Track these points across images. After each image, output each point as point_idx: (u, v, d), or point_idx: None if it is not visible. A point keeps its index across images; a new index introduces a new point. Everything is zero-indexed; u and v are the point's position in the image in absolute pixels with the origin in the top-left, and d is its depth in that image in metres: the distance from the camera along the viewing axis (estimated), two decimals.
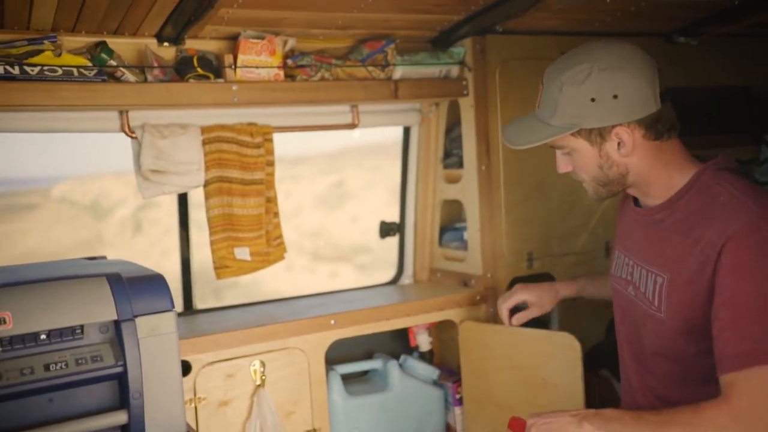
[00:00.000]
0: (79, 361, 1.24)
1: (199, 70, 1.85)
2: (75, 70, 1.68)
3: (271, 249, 2.11)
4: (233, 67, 1.88)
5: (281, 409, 1.93)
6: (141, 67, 1.79)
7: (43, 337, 1.22)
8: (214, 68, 1.88)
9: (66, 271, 1.38)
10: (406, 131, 2.38)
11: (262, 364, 1.91)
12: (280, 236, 2.14)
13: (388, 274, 2.50)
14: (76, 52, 1.73)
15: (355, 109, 2.18)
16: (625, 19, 2.14)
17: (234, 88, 1.87)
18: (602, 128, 1.34)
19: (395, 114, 2.29)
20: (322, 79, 1.99)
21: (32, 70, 1.63)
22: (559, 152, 1.44)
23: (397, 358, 2.25)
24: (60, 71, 1.65)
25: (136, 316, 1.30)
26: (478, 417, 2.10)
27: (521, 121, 1.47)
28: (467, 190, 2.24)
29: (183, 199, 2.14)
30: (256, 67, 1.90)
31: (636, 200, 1.51)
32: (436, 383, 2.25)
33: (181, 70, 1.84)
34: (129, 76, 1.76)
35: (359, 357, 2.28)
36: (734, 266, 1.25)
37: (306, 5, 1.78)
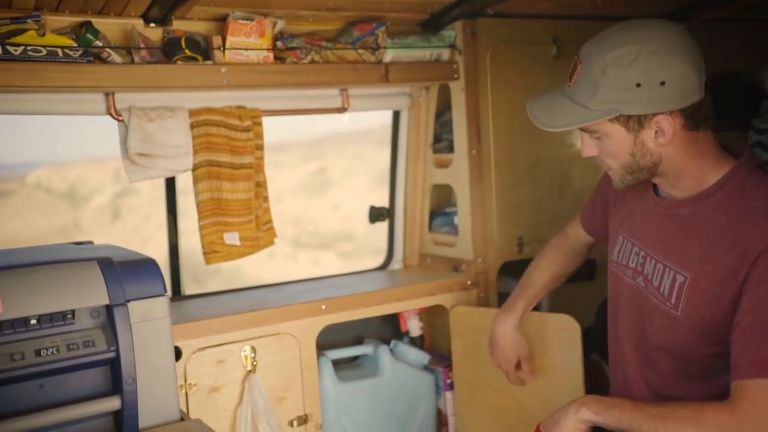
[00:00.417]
0: (71, 347, 1.21)
1: (187, 51, 1.81)
2: (59, 51, 1.63)
3: (261, 234, 2.09)
4: (222, 48, 1.84)
5: (272, 395, 1.92)
6: (128, 48, 1.75)
7: (33, 322, 1.19)
8: (202, 50, 1.85)
9: (55, 255, 1.35)
10: (396, 115, 2.37)
11: (253, 349, 1.90)
12: (269, 221, 2.12)
13: (372, 262, 2.49)
14: (60, 32, 1.69)
15: (344, 93, 2.16)
16: (615, 3, 2.14)
17: (223, 70, 1.84)
18: (643, 115, 1.27)
19: (385, 98, 2.27)
20: (312, 61, 1.96)
21: (15, 50, 1.58)
22: (585, 135, 1.37)
23: (387, 343, 2.25)
24: (44, 51, 1.61)
25: (128, 301, 1.27)
26: (470, 402, 2.11)
27: (550, 99, 1.38)
28: (457, 174, 2.23)
29: (171, 184, 2.11)
30: (245, 49, 1.86)
31: (655, 188, 1.46)
32: (426, 368, 2.25)
33: (169, 51, 1.80)
34: (115, 57, 1.72)
35: (350, 342, 2.27)
36: (767, 276, 1.23)
37: None
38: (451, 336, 2.16)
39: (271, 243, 2.13)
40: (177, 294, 2.16)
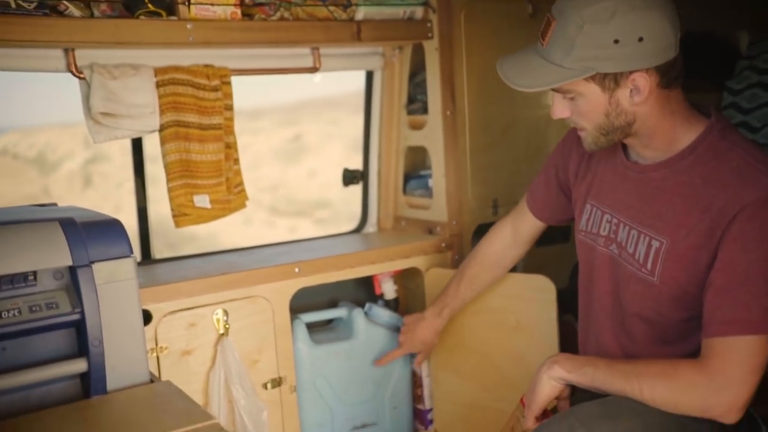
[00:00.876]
0: (33, 309, 1.18)
1: (150, 6, 1.74)
2: (12, 2, 1.56)
3: (232, 197, 2.05)
4: (187, 3, 1.78)
5: (246, 358, 1.90)
6: (86, 2, 1.68)
7: None
8: (166, 5, 1.78)
9: (15, 216, 1.30)
10: (369, 76, 2.32)
11: (225, 312, 1.87)
12: (240, 183, 2.08)
13: (348, 227, 2.46)
14: None
15: (316, 52, 2.10)
16: None
17: (188, 26, 1.78)
18: (619, 73, 1.24)
19: (357, 57, 2.22)
20: (282, 18, 1.90)
21: None
22: (558, 96, 1.33)
23: (362, 306, 2.24)
24: None
25: (92, 262, 1.23)
26: (445, 363, 2.12)
27: (522, 59, 1.33)
28: (432, 136, 2.20)
29: (138, 147, 2.06)
30: (212, 5, 1.80)
31: (625, 154, 1.44)
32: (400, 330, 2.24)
33: (131, 5, 1.74)
34: (73, 10, 1.65)
35: (324, 306, 2.26)
36: (741, 235, 1.22)
37: None
38: (426, 298, 2.16)
39: (242, 206, 2.09)
40: (147, 258, 2.12)
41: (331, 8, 1.95)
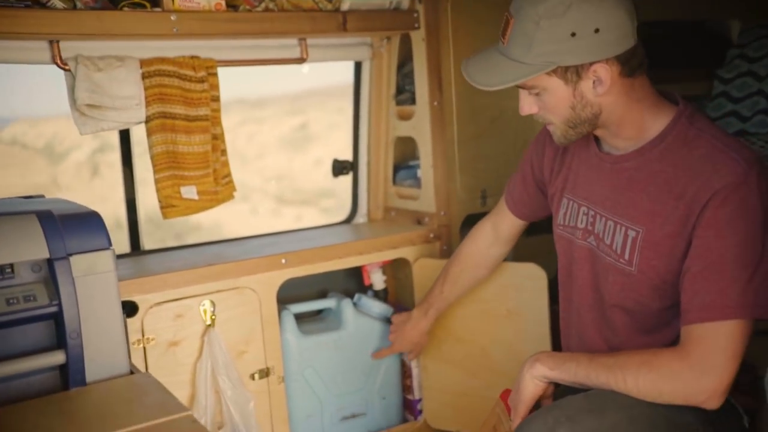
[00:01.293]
0: (11, 301, 1.19)
1: None
2: None
3: (220, 188, 2.05)
4: None
5: (233, 349, 1.91)
6: None
7: None
8: None
9: None
10: (357, 66, 2.32)
11: (212, 304, 1.88)
12: (228, 174, 2.08)
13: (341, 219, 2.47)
14: None
15: (303, 43, 2.10)
16: None
17: (173, 18, 1.77)
18: (580, 65, 1.25)
19: (345, 48, 2.21)
20: (266, 9, 1.90)
21: None
22: (524, 92, 1.34)
23: (351, 297, 2.24)
24: None
25: (70, 255, 1.24)
26: (435, 352, 2.12)
27: (485, 58, 1.34)
28: (420, 126, 2.20)
29: (126, 138, 2.06)
30: None
31: (598, 145, 1.44)
32: (390, 321, 2.25)
33: None
34: (56, 2, 1.65)
35: (314, 296, 2.26)
36: (714, 220, 1.23)
37: None
38: (414, 288, 2.17)
39: (230, 197, 2.10)
40: (137, 249, 2.13)
41: None
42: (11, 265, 1.20)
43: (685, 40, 2.62)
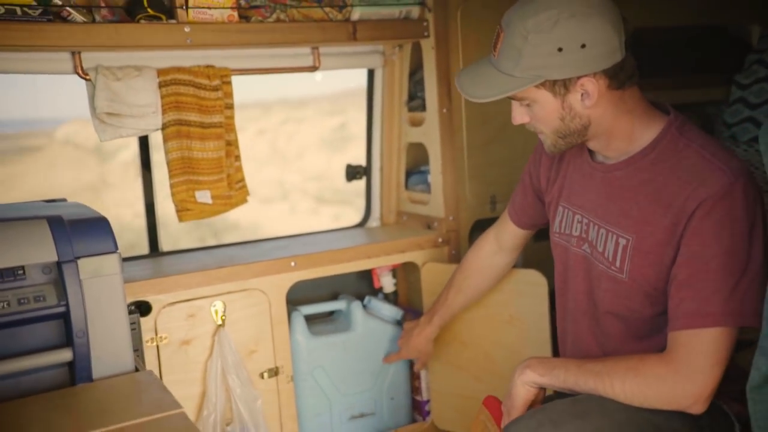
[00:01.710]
0: (22, 301, 1.27)
1: (149, 10, 1.82)
2: (18, 9, 1.65)
3: (233, 192, 2.12)
4: (185, 8, 1.85)
5: (243, 348, 1.98)
6: (88, 8, 1.76)
7: None
8: (165, 9, 1.85)
9: (13, 213, 1.39)
10: (370, 74, 2.36)
11: (223, 304, 1.95)
12: (242, 179, 2.15)
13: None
14: None
15: (315, 51, 2.15)
16: None
17: (186, 29, 1.85)
18: (567, 79, 1.28)
19: (358, 56, 2.26)
20: (278, 20, 1.96)
21: None
22: (515, 103, 1.38)
23: (362, 299, 2.29)
24: (2, 10, 1.63)
25: (77, 258, 1.32)
26: (441, 355, 2.16)
27: (477, 70, 1.38)
28: (430, 132, 2.24)
29: (144, 143, 2.14)
30: (209, 8, 1.87)
31: (591, 154, 1.47)
32: (399, 324, 2.29)
33: (131, 10, 1.81)
34: (76, 16, 1.74)
35: (326, 298, 2.32)
36: (701, 230, 1.25)
37: None
38: (422, 292, 2.21)
39: (243, 201, 2.16)
40: (155, 250, 2.21)
41: (327, 9, 2.00)
42: (23, 267, 1.28)
43: (706, 45, 2.60)
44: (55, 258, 1.30)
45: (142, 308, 1.86)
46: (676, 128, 1.33)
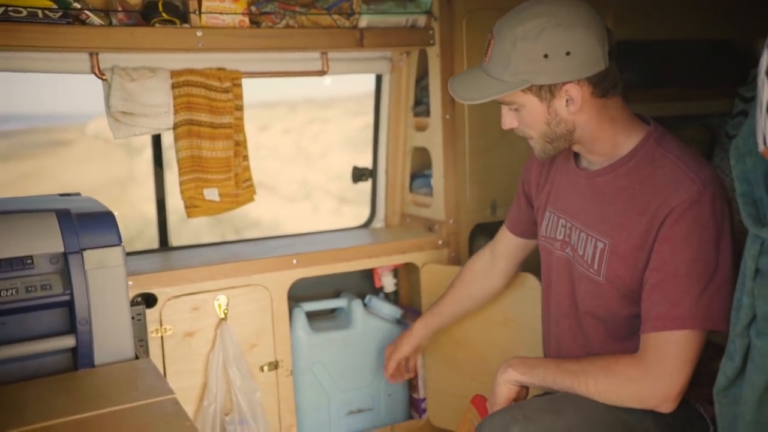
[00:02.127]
0: (29, 289, 1.34)
1: (164, 15, 1.90)
2: (39, 12, 1.74)
3: (240, 191, 2.20)
4: (198, 12, 1.93)
5: (244, 342, 2.05)
6: (106, 11, 1.85)
7: None
8: (180, 13, 1.93)
9: (24, 206, 1.47)
10: (378, 79, 2.42)
11: (226, 298, 2.02)
12: (249, 179, 2.22)
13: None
14: None
15: (324, 56, 2.22)
16: None
17: (199, 33, 1.92)
18: (553, 85, 1.35)
19: (366, 62, 2.32)
20: (287, 26, 2.03)
21: None
22: (505, 108, 1.45)
23: (363, 298, 2.35)
24: (24, 12, 1.72)
25: (83, 249, 1.39)
26: (436, 353, 2.22)
27: (469, 74, 1.46)
28: (433, 137, 2.29)
29: (157, 141, 2.23)
30: (221, 13, 1.94)
31: (577, 161, 1.53)
32: (399, 322, 2.35)
33: (147, 14, 1.89)
34: (94, 19, 1.82)
35: (329, 295, 2.39)
36: (671, 236, 1.31)
37: None
38: (421, 292, 2.26)
39: (250, 199, 2.24)
40: (164, 245, 2.30)
41: (335, 17, 2.06)
42: (31, 257, 1.36)
43: (711, 59, 2.62)
44: (61, 249, 1.37)
45: (149, 300, 1.95)
46: (655, 139, 1.39)
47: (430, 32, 2.18)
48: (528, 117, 1.41)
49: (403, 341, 2.00)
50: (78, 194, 1.85)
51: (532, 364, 1.46)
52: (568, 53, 1.32)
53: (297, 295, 2.23)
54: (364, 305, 2.32)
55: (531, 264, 2.11)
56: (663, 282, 1.31)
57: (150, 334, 1.93)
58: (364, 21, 2.10)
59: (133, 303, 1.92)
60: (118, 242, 1.45)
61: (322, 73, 2.25)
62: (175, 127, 2.08)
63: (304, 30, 2.05)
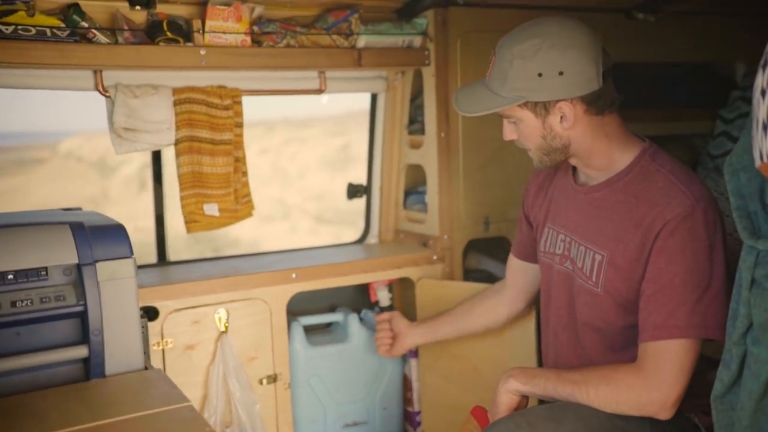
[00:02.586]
0: (44, 300, 1.37)
1: (168, 33, 1.94)
2: (48, 31, 1.77)
3: (240, 206, 2.23)
4: (201, 32, 1.97)
5: (244, 355, 2.08)
6: (112, 30, 1.89)
7: (10, 276, 1.35)
8: (183, 32, 1.98)
9: (37, 219, 1.50)
10: (374, 98, 2.48)
11: (226, 312, 2.05)
12: (248, 194, 2.26)
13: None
14: (48, 12, 1.82)
15: (322, 75, 2.28)
16: None
17: (202, 52, 1.97)
18: (547, 102, 1.42)
19: (362, 81, 2.38)
20: (288, 45, 2.08)
21: (6, 29, 1.72)
22: (505, 120, 1.52)
23: (358, 312, 2.39)
24: (33, 31, 1.75)
25: (96, 261, 1.42)
26: (432, 367, 2.25)
27: (472, 88, 1.54)
28: (428, 155, 2.35)
29: (157, 158, 2.26)
30: (224, 33, 1.99)
31: (575, 177, 1.59)
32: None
33: (151, 33, 1.94)
34: (100, 37, 1.86)
35: (325, 310, 2.43)
36: (665, 248, 1.37)
37: None
38: (416, 306, 2.31)
39: (249, 215, 2.27)
40: (162, 260, 2.32)
41: (334, 37, 2.13)
42: (46, 269, 1.39)
43: (693, 82, 2.73)
44: (75, 261, 1.40)
45: (150, 313, 1.97)
46: (650, 155, 1.47)
47: (426, 53, 2.25)
48: (525, 130, 1.48)
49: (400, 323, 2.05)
50: (79, 209, 1.88)
51: (533, 374, 1.51)
52: (561, 73, 1.39)
53: (294, 309, 2.26)
54: (360, 319, 2.35)
55: None
56: (659, 293, 1.37)
57: (152, 347, 1.95)
58: (362, 41, 2.16)
59: None
60: (130, 254, 1.48)
61: (319, 91, 2.30)
62: (177, 143, 2.12)
63: (304, 49, 2.11)
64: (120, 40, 1.90)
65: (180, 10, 2.00)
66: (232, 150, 2.18)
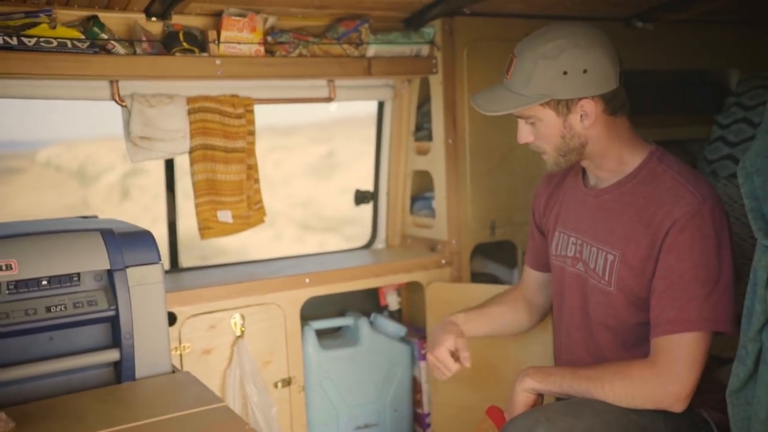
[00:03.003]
0: (77, 305, 1.40)
1: (184, 44, 1.98)
2: (69, 42, 1.81)
3: (252, 213, 2.27)
4: (217, 42, 2.02)
5: (259, 359, 2.11)
6: (130, 41, 1.93)
7: (44, 282, 1.38)
8: (199, 43, 2.02)
9: (64, 226, 1.53)
10: (381, 105, 2.54)
11: (242, 317, 2.09)
12: (260, 201, 2.30)
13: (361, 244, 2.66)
14: (69, 25, 1.86)
15: (331, 84, 2.32)
16: (586, 3, 2.30)
17: (217, 62, 2.01)
18: (570, 100, 1.47)
19: (370, 89, 2.44)
20: (300, 55, 2.13)
21: (29, 41, 1.76)
22: (522, 122, 1.56)
23: (368, 316, 2.44)
24: (55, 43, 1.79)
25: (126, 267, 1.46)
26: None
27: (492, 90, 1.58)
28: (435, 161, 2.41)
29: (170, 165, 2.29)
30: (238, 43, 2.04)
31: (584, 181, 1.64)
32: (403, 340, 2.43)
33: (168, 44, 1.98)
34: (119, 49, 1.90)
35: (334, 314, 2.46)
36: (675, 245, 1.43)
37: None
38: (427, 310, 2.35)
39: (261, 221, 2.32)
40: (175, 266, 2.35)
41: (345, 46, 2.18)
42: (78, 274, 1.42)
43: (690, 88, 2.81)
44: (107, 266, 1.44)
45: (168, 319, 1.99)
46: (657, 157, 1.53)
47: (433, 61, 2.31)
48: (544, 130, 1.52)
49: (446, 332, 1.77)
50: (95, 216, 1.91)
51: (548, 372, 1.56)
52: (585, 71, 1.45)
53: (305, 314, 2.30)
54: (370, 323, 2.40)
55: None
56: (670, 288, 1.43)
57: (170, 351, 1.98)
58: (372, 50, 2.22)
59: None
60: (158, 260, 1.52)
61: (329, 99, 2.35)
62: (191, 151, 2.15)
63: (315, 59, 2.15)
64: (138, 51, 1.94)
65: (195, 21, 2.04)
66: (245, 158, 2.23)
